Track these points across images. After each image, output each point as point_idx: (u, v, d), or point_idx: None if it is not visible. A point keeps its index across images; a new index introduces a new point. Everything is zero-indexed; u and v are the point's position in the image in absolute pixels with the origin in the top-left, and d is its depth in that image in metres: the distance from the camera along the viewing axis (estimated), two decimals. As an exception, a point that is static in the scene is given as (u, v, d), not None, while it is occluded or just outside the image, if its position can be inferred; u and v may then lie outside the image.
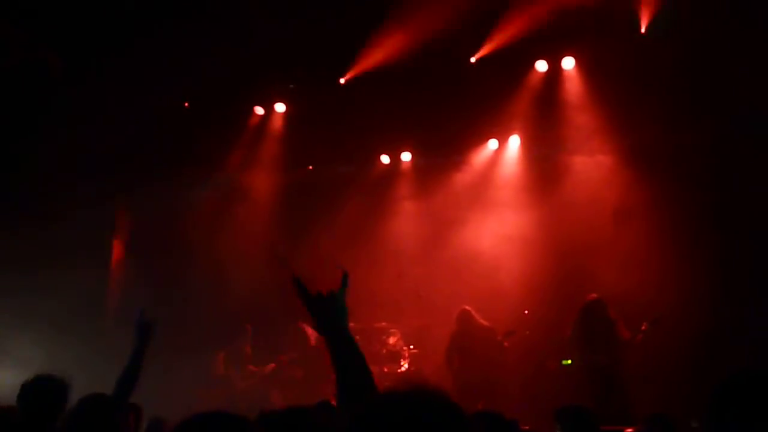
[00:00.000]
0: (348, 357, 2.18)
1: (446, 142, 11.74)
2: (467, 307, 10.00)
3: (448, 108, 10.67)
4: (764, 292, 9.46)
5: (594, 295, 9.22)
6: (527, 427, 5.29)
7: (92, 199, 10.83)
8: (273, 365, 11.06)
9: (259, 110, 12.00)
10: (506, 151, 12.00)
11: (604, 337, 9.01)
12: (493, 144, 12.03)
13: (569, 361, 9.90)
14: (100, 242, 11.93)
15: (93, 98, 10.05)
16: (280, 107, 11.94)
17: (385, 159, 12.61)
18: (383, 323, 11.36)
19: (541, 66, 10.83)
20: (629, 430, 5.12)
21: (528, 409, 8.95)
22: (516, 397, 9.81)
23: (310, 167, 12.83)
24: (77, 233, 10.52)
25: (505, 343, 9.97)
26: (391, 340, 11.15)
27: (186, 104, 11.41)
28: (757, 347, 8.53)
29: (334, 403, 5.93)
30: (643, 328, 8.97)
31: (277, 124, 12.07)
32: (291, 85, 11.57)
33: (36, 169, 10.61)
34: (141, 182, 11.49)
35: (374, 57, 10.41)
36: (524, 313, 10.65)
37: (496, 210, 11.60)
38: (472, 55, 10.37)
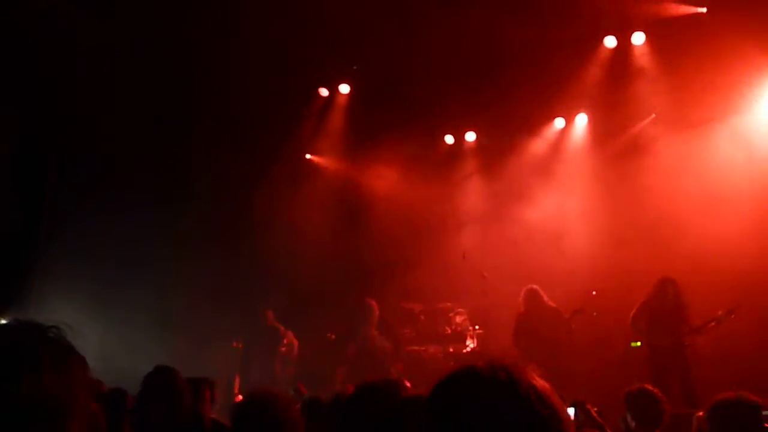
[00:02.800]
0: None
1: (512, 121, 11.63)
2: (534, 286, 9.89)
3: (513, 87, 10.55)
4: None
5: (669, 276, 8.90)
6: (595, 409, 5.24)
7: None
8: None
9: (324, 92, 12.09)
10: (573, 130, 11.83)
11: (671, 320, 8.74)
12: (559, 123, 11.87)
13: (638, 343, 9.73)
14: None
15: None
16: (344, 88, 12.01)
17: (449, 139, 12.58)
18: (449, 303, 11.39)
19: (610, 42, 10.61)
20: (700, 413, 5.02)
21: (595, 390, 8.85)
22: (583, 378, 9.69)
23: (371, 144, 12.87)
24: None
25: (573, 324, 9.84)
26: (457, 320, 11.17)
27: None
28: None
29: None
30: (718, 314, 8.55)
31: (341, 105, 12.15)
32: (354, 66, 11.61)
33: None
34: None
35: (437, 37, 10.34)
36: (592, 294, 10.50)
37: (562, 190, 11.46)
38: (536, 33, 10.21)
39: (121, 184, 11.44)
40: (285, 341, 11.06)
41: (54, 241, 11.46)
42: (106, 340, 10.79)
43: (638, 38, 10.48)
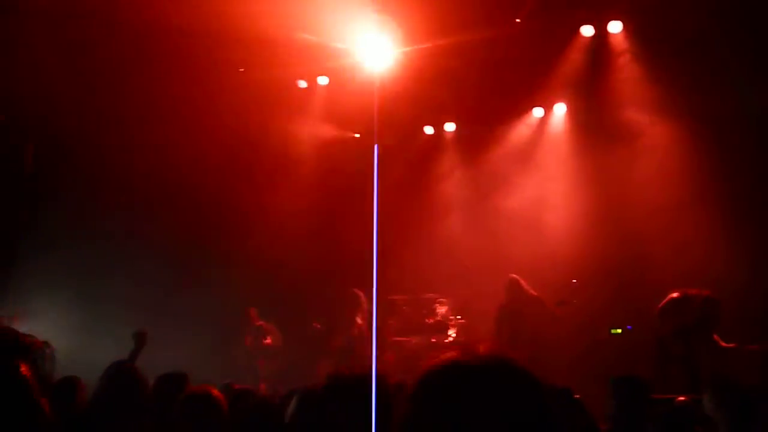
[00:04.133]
0: None
1: (491, 111, 11.62)
2: (515, 276, 9.91)
3: (491, 78, 10.54)
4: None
5: (707, 292, 8.01)
6: (577, 396, 5.25)
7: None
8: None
9: (302, 83, 11.99)
10: (552, 119, 11.86)
11: (698, 338, 7.94)
12: (538, 112, 11.89)
13: (619, 330, 9.79)
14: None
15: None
16: (323, 80, 11.93)
17: (428, 130, 12.56)
18: (431, 294, 11.40)
19: (587, 31, 10.60)
20: (682, 398, 5.05)
21: (578, 378, 8.87)
22: (565, 366, 9.73)
23: (356, 135, 12.82)
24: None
25: (557, 312, 9.88)
26: (439, 311, 11.18)
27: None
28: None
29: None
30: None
31: (321, 96, 12.07)
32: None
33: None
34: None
35: (417, 28, 10.29)
36: (572, 283, 10.54)
37: (541, 179, 11.49)
38: (515, 22, 10.18)
39: (101, 178, 11.32)
40: (269, 336, 11.05)
41: (33, 235, 11.32)
42: (84, 334, 10.68)
43: (615, 26, 10.49)
